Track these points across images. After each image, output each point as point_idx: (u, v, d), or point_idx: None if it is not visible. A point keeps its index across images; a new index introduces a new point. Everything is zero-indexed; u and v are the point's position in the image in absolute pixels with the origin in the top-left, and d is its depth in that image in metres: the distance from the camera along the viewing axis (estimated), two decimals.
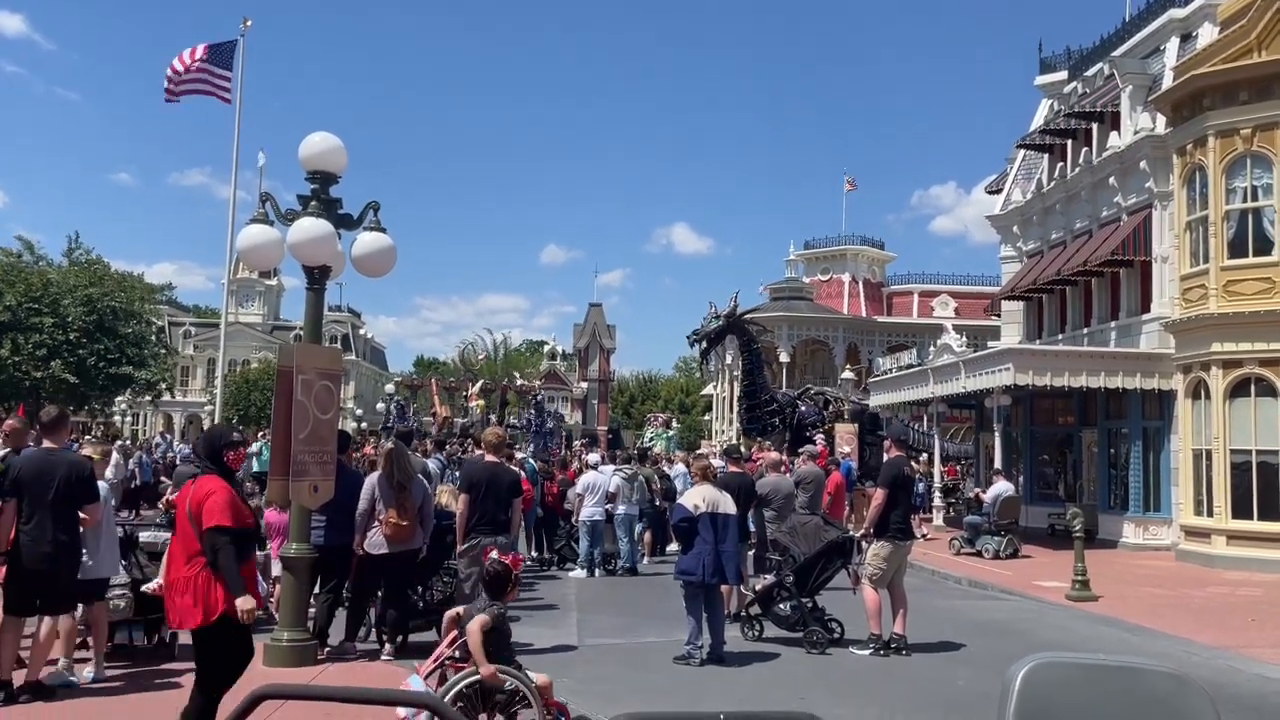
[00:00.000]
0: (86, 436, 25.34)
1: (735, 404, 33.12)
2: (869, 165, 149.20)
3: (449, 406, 42.75)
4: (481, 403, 42.59)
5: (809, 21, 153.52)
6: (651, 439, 33.74)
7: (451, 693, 5.65)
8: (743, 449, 19.96)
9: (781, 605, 10.44)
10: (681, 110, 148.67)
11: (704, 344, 27.09)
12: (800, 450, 17.38)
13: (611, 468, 17.02)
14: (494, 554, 6.99)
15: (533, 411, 39.68)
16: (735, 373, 33.16)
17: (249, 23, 25.77)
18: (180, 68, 24.03)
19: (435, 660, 6.13)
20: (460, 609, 6.54)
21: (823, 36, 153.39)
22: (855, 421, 27.15)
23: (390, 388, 52.22)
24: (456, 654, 6.03)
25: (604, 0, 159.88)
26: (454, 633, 6.18)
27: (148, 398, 49.22)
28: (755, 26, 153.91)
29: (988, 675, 8.19)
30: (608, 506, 15.89)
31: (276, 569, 10.18)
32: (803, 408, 27.69)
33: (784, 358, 45.92)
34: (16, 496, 7.10)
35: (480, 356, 73.30)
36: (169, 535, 9.03)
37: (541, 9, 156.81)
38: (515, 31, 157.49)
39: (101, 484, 7.84)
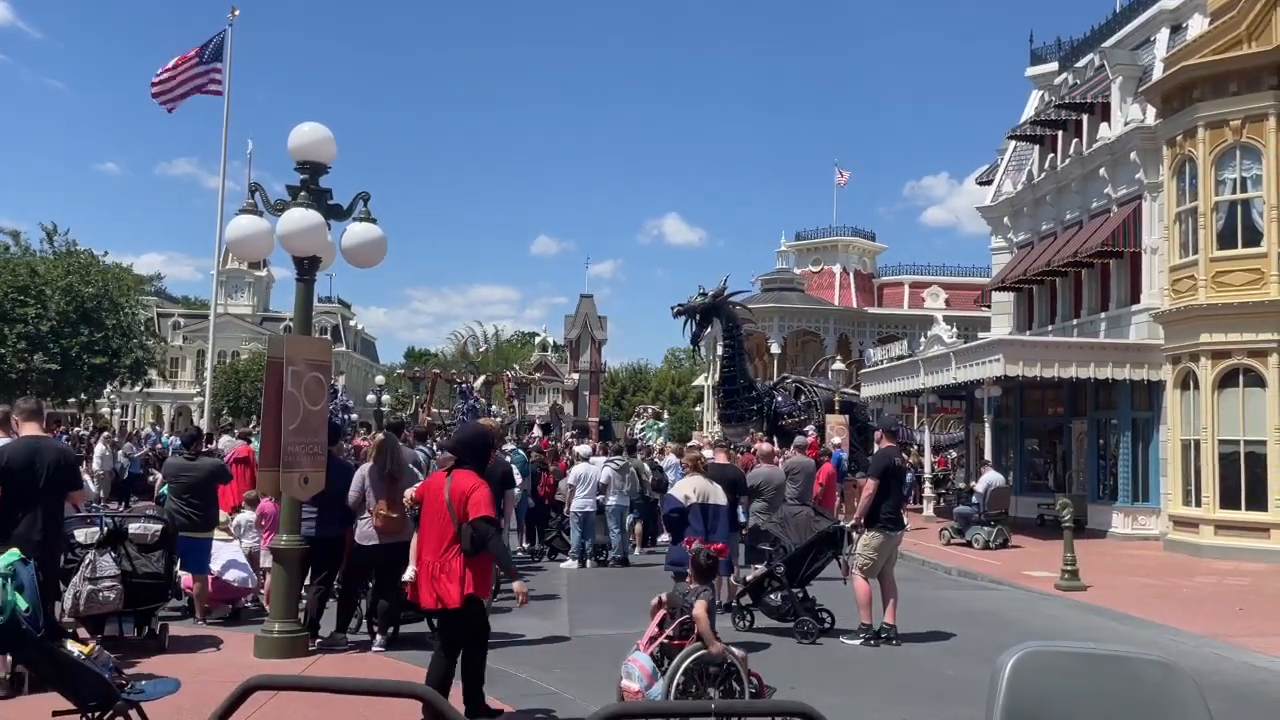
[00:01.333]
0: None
1: (713, 390, 32.36)
2: (861, 156, 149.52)
3: (442, 405, 42.28)
4: (484, 401, 42.38)
5: (800, 12, 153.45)
6: (642, 430, 33.72)
7: (683, 666, 6.45)
8: (717, 437, 19.69)
9: (772, 595, 10.47)
10: (673, 101, 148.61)
11: (690, 319, 26.03)
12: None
13: (603, 459, 17.02)
14: (697, 543, 7.68)
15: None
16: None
17: (236, 12, 25.67)
18: (169, 75, 24.01)
19: (652, 639, 6.81)
20: (664, 595, 7.19)
21: (814, 27, 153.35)
22: (834, 412, 26.84)
23: (380, 379, 52.08)
24: (672, 633, 6.80)
25: None
26: (661, 613, 6.94)
27: (136, 387, 48.91)
28: (746, 18, 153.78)
29: (977, 664, 8.23)
30: (599, 498, 15.90)
31: (267, 560, 10.16)
32: (779, 398, 27.34)
33: (775, 349, 45.94)
34: (5, 485, 7.00)
35: (481, 349, 73.05)
36: (158, 528, 9.02)
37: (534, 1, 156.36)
38: (507, 23, 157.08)
39: None
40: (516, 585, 6.32)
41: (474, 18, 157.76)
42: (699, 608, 6.68)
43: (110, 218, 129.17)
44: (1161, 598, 13.40)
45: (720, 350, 28.78)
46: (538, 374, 57.70)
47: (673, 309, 26.37)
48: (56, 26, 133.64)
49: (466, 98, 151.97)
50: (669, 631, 6.78)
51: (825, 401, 27.33)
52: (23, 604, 5.36)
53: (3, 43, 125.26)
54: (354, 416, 31.32)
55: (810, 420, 25.96)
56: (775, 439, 21.67)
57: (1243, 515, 17.56)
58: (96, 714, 5.19)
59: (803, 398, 27.91)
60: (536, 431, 34.12)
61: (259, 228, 8.81)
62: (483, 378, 47.51)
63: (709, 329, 26.86)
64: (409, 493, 8.09)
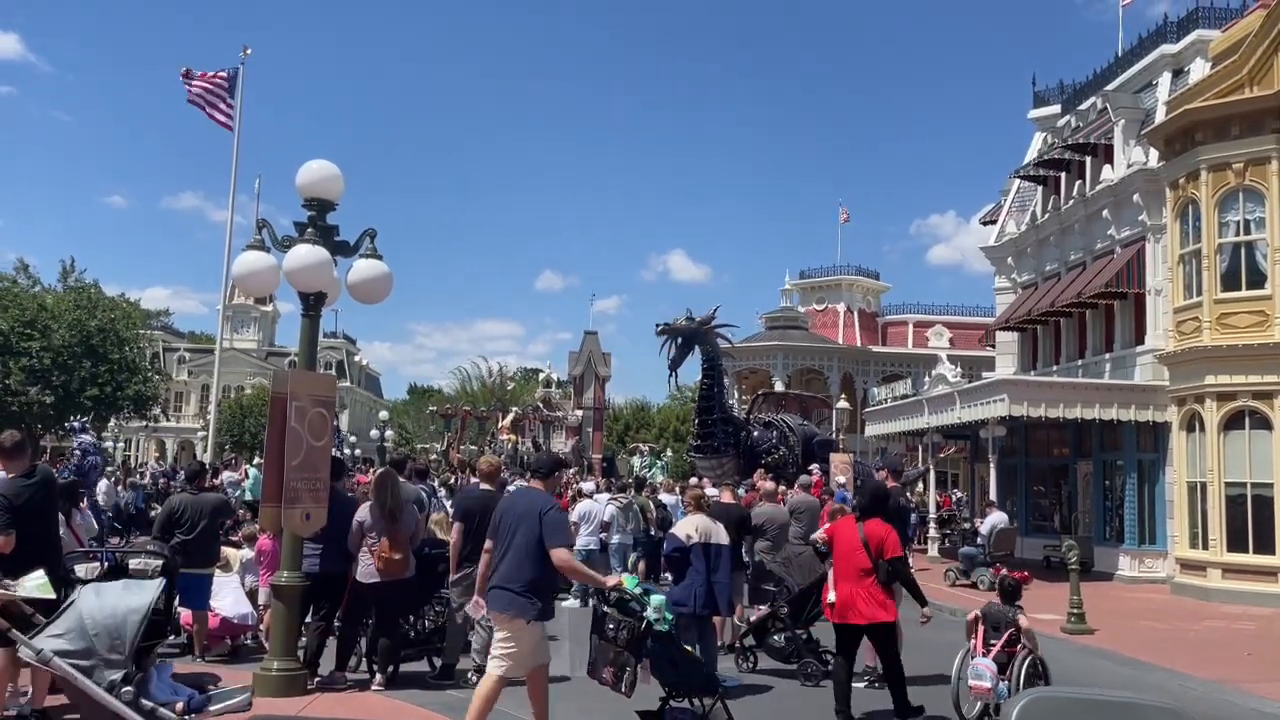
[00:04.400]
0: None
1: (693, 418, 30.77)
2: (868, 195, 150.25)
3: (508, 430, 41.97)
4: (513, 438, 42.22)
5: (808, 52, 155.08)
6: (643, 467, 33.60)
7: (1024, 668, 8.21)
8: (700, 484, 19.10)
9: (776, 636, 10.38)
10: (679, 138, 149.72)
11: (671, 342, 25.28)
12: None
13: (606, 496, 16.94)
14: (1004, 570, 9.16)
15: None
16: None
17: (249, 50, 25.95)
18: (199, 78, 24.35)
19: (989, 647, 8.39)
20: (979, 611, 8.92)
21: (822, 67, 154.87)
22: (813, 444, 26.25)
23: (384, 414, 52.00)
24: (1004, 643, 8.39)
25: (601, 28, 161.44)
26: (982, 627, 8.66)
27: (139, 421, 48.78)
28: (754, 56, 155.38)
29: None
30: (602, 535, 15.79)
31: (264, 597, 10.09)
32: (755, 432, 26.63)
33: (779, 386, 45.91)
34: (16, 526, 6.92)
35: (509, 386, 72.67)
36: (158, 563, 8.95)
37: (539, 36, 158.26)
38: (512, 58, 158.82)
39: None
40: (925, 610, 8.34)
41: (479, 54, 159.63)
42: (1025, 621, 8.53)
43: (116, 251, 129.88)
44: (1169, 642, 13.26)
45: (727, 382, 28.05)
46: (560, 412, 57.40)
47: (657, 326, 25.88)
48: (65, 60, 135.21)
49: (472, 133, 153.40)
50: (1001, 642, 8.38)
51: (804, 438, 26.68)
52: (669, 617, 6.71)
53: (12, 76, 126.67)
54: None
55: (789, 456, 25.24)
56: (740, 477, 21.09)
57: (1250, 559, 17.42)
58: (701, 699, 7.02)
59: (774, 432, 27.07)
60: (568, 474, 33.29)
61: (266, 263, 8.85)
62: (512, 413, 47.35)
63: (689, 355, 26.02)
64: (819, 534, 9.42)
